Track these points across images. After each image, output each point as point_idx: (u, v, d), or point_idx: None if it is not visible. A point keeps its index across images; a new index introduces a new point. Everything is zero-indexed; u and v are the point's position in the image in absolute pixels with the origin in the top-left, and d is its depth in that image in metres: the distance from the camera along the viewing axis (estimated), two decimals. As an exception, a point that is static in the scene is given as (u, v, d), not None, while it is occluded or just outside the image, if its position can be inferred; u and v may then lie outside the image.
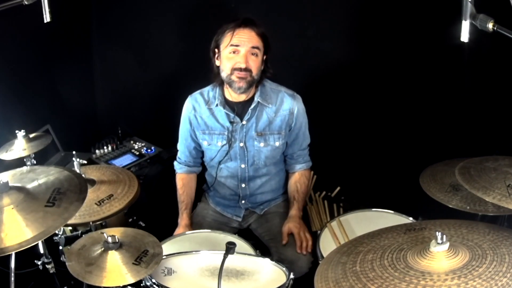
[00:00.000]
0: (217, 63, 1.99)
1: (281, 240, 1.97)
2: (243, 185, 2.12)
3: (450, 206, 1.74)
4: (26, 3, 1.44)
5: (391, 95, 2.69)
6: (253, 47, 1.90)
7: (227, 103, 2.03)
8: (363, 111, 2.77)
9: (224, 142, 2.04)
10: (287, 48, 2.66)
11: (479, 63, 2.38)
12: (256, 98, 2.00)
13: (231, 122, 2.02)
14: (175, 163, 2.22)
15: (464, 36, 1.28)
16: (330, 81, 2.77)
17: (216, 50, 1.97)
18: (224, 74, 1.95)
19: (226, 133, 2.03)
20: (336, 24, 2.71)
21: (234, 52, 1.91)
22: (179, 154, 2.21)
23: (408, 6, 2.45)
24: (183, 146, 2.17)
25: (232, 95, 2.02)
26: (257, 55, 1.92)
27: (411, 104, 2.65)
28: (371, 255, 1.28)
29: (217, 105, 2.02)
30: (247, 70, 1.90)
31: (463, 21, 1.26)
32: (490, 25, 1.19)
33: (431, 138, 2.63)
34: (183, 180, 2.18)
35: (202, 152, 2.18)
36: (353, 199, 2.58)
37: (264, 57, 1.97)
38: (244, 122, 2.02)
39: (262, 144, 2.04)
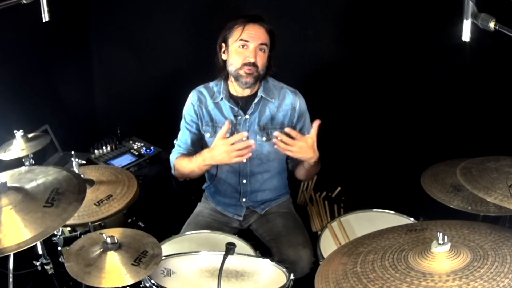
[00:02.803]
0: (224, 57, 2.00)
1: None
2: (244, 181, 2.11)
3: (452, 206, 1.74)
4: (24, 2, 1.43)
5: (392, 95, 2.68)
6: (262, 44, 1.93)
7: (231, 98, 2.05)
8: (364, 111, 2.76)
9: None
10: (287, 48, 2.65)
11: (481, 62, 2.37)
12: (260, 93, 2.03)
13: (235, 116, 2.03)
14: (171, 155, 2.10)
15: (466, 36, 1.28)
16: (331, 82, 2.77)
17: (223, 44, 1.99)
18: (232, 68, 1.96)
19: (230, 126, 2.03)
20: (336, 24, 2.71)
21: (243, 47, 1.93)
22: (177, 146, 2.10)
23: (409, 6, 2.44)
24: (184, 138, 2.08)
25: (237, 90, 2.04)
26: (264, 51, 1.95)
27: (412, 104, 2.65)
28: (372, 255, 1.28)
29: (222, 98, 2.04)
30: (255, 65, 1.93)
31: (465, 20, 1.26)
32: (491, 24, 1.18)
33: (432, 138, 2.62)
34: (186, 155, 2.04)
35: (202, 148, 2.12)
36: (353, 200, 2.58)
37: (269, 54, 1.99)
38: (247, 116, 2.03)
39: (264, 139, 2.05)
